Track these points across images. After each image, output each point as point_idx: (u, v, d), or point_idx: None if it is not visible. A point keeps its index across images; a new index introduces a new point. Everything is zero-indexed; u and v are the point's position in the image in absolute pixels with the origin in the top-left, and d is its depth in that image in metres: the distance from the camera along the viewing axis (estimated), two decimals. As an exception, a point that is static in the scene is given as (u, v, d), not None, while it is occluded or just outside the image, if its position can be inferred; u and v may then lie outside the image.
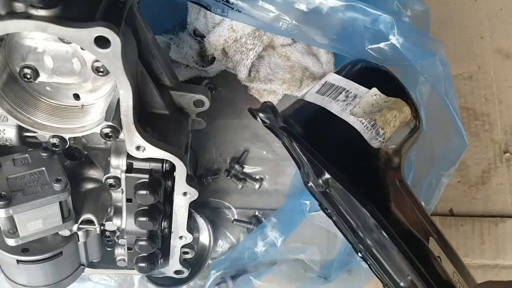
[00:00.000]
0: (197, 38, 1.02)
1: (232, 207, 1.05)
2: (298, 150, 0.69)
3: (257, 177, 1.06)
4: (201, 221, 0.99)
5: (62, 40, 0.63)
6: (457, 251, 0.71)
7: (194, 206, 1.01)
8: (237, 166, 1.04)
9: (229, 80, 1.07)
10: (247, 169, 1.06)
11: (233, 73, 1.04)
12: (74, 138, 0.73)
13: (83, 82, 0.67)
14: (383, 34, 0.76)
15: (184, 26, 1.05)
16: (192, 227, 0.93)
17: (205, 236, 1.00)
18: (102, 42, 0.55)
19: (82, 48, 0.62)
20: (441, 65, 0.76)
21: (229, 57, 0.99)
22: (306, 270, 0.99)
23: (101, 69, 0.63)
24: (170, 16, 1.07)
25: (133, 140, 0.65)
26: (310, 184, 0.71)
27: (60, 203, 0.69)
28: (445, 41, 0.79)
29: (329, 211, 0.77)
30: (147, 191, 0.69)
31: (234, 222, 1.03)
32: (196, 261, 0.99)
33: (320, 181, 0.69)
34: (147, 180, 0.70)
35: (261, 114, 0.68)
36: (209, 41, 0.96)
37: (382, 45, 0.78)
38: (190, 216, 0.94)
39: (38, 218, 0.69)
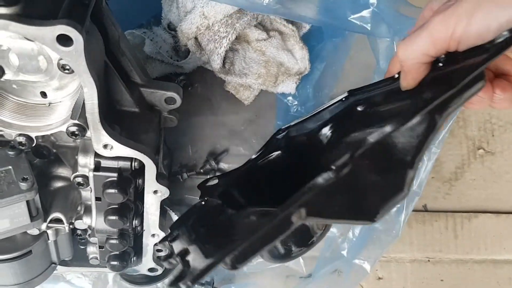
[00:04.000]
0: (172, 32, 1.01)
1: (208, 204, 1.05)
2: None
3: (234, 173, 1.05)
4: (176, 218, 0.98)
5: (27, 38, 0.62)
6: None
7: (170, 204, 1.00)
8: (213, 163, 1.04)
9: (205, 76, 1.06)
10: (223, 165, 1.06)
11: (209, 69, 1.04)
12: (42, 136, 0.72)
13: (50, 80, 0.66)
14: (364, 3, 0.79)
15: (159, 20, 1.04)
16: (166, 225, 0.93)
17: (180, 233, 0.99)
18: (64, 40, 0.54)
19: (47, 46, 0.62)
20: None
21: (203, 48, 0.98)
22: (288, 276, 1.00)
23: (67, 67, 0.62)
24: (145, 11, 1.06)
25: (100, 138, 0.64)
26: None
27: (28, 202, 0.69)
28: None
29: None
30: (116, 190, 0.69)
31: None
32: (171, 258, 0.98)
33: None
34: (115, 178, 0.69)
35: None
36: (181, 30, 0.96)
37: (364, 13, 0.79)
38: (165, 214, 0.94)
39: (5, 218, 0.68)
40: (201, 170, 1.04)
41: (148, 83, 0.75)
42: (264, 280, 1.01)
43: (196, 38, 0.99)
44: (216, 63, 0.99)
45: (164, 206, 0.94)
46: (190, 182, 1.05)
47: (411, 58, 0.55)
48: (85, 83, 0.59)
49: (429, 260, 1.03)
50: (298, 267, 1.00)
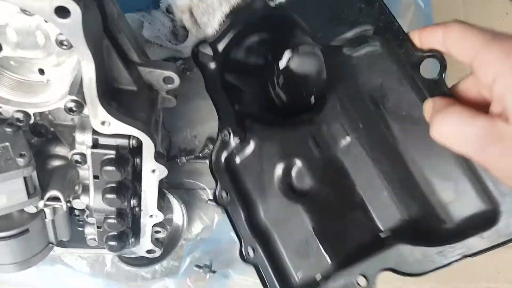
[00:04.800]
0: (170, 15, 1.01)
1: (206, 188, 1.04)
2: None
3: (232, 158, 1.05)
4: (174, 202, 0.99)
5: (24, 12, 0.62)
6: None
7: (168, 187, 1.00)
8: (211, 147, 1.03)
9: (204, 60, 1.06)
10: (222, 150, 1.06)
11: (208, 53, 1.03)
12: (40, 114, 0.72)
13: (48, 56, 0.66)
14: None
15: (157, 4, 1.03)
16: (165, 207, 0.93)
17: (178, 217, 0.99)
18: (62, 12, 0.54)
19: (45, 21, 0.62)
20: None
21: (198, 24, 0.97)
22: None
23: (65, 43, 0.62)
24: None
25: (97, 114, 0.64)
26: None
27: (25, 179, 0.69)
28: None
29: None
30: (114, 167, 0.69)
31: (208, 202, 1.02)
32: (169, 241, 0.98)
33: None
34: (113, 156, 0.69)
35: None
36: (176, 5, 0.95)
37: None
38: (164, 196, 0.94)
39: (2, 194, 0.68)
40: (200, 154, 1.04)
41: (146, 62, 0.75)
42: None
43: (191, 13, 0.98)
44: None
45: (163, 189, 0.94)
46: (189, 166, 1.05)
47: (448, 143, 0.51)
48: (82, 56, 0.58)
49: (427, 246, 1.03)
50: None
